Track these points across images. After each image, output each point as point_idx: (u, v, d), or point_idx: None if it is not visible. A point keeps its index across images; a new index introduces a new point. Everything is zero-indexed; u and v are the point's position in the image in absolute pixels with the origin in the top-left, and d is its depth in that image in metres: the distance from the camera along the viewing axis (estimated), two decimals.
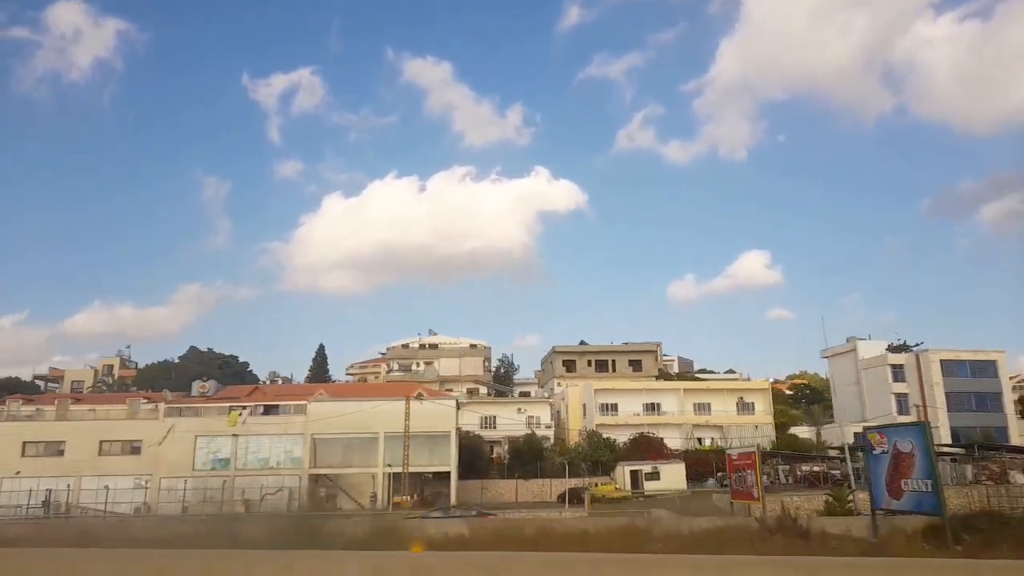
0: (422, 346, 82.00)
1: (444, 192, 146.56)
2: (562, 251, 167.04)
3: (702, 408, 60.20)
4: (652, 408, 59.58)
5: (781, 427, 64.79)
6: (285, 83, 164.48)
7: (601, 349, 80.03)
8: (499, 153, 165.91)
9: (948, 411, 59.33)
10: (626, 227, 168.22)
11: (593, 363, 79.75)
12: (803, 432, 63.26)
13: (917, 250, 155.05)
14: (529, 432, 53.99)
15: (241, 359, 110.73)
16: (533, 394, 76.78)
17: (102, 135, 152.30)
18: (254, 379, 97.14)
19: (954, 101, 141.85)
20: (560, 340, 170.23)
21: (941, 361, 60.62)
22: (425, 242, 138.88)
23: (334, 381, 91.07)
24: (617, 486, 47.74)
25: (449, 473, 43.54)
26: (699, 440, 58.72)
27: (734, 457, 33.37)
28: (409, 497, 41.31)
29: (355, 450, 43.00)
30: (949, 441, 58.06)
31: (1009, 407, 60.77)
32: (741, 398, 60.62)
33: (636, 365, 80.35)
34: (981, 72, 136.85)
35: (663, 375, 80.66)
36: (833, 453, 52.63)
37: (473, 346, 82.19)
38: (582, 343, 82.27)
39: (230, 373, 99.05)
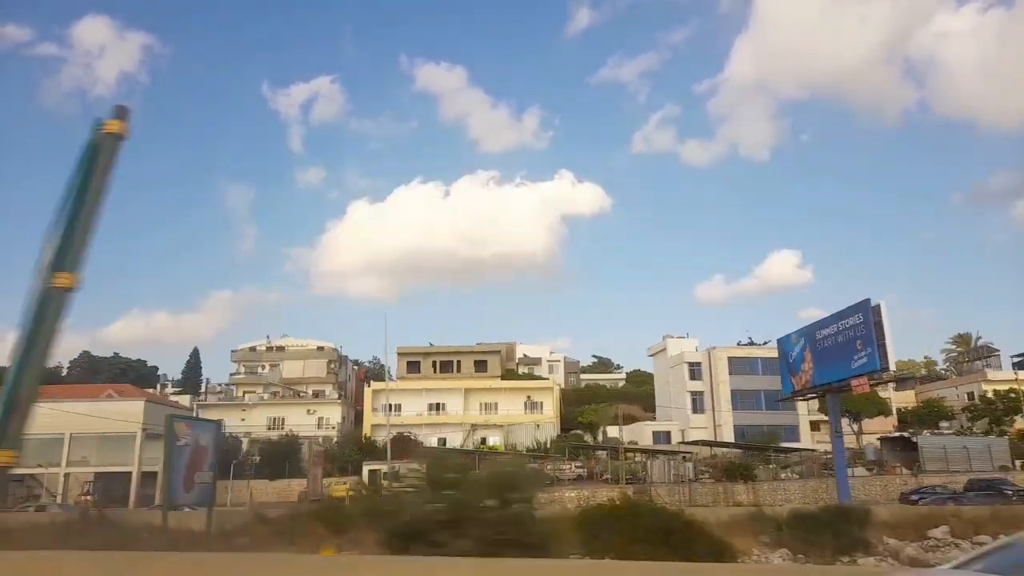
0: (268, 349, 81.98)
1: (468, 197, 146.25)
2: (587, 254, 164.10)
3: (490, 408, 59.75)
4: (437, 408, 59.22)
5: (593, 426, 64.42)
6: (305, 92, 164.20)
7: (445, 350, 79.58)
8: (520, 157, 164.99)
9: (734, 409, 58.50)
10: (651, 229, 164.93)
11: (438, 364, 79.51)
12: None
13: (952, 246, 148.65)
14: (284, 433, 53.88)
15: (151, 363, 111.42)
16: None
17: (128, 147, 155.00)
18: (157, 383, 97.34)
19: (980, 93, 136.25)
20: (590, 341, 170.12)
21: (729, 358, 59.82)
22: (449, 246, 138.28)
23: (213, 384, 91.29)
24: (350, 488, 47.55)
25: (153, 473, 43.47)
26: (483, 440, 58.35)
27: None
28: (89, 496, 41.33)
29: (49, 450, 43.13)
30: (732, 439, 57.50)
31: (801, 405, 59.72)
32: (529, 397, 60.11)
33: (481, 366, 79.86)
34: (1007, 63, 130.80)
35: (509, 375, 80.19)
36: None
37: (320, 348, 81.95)
38: (431, 344, 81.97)
39: (134, 377, 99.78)
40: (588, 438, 59.78)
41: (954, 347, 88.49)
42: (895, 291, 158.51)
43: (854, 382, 33.74)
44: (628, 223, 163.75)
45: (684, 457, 44.60)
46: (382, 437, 53.96)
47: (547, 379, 64.03)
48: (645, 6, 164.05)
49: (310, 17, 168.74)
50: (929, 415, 68.46)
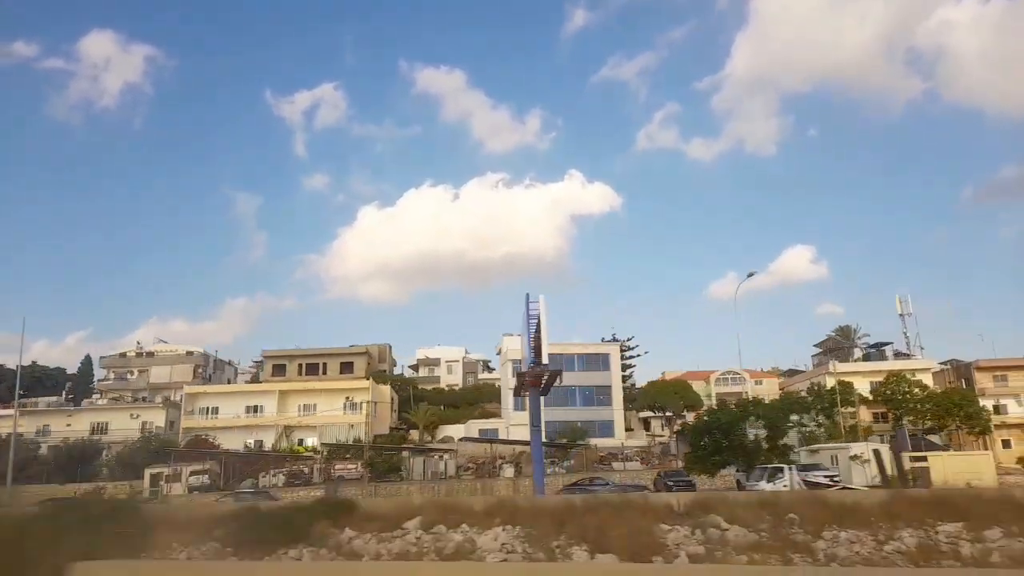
0: (139, 354, 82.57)
1: (477, 199, 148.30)
2: (597, 253, 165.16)
3: (309, 408, 60.14)
4: (254, 410, 59.63)
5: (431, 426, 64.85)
6: (308, 99, 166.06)
7: (311, 353, 79.92)
8: (524, 158, 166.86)
9: (546, 406, 58.65)
10: (662, 227, 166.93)
11: (304, 366, 79.86)
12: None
13: (966, 238, 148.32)
14: (82, 437, 54.36)
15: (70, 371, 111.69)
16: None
17: (136, 158, 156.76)
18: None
19: (986, 84, 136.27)
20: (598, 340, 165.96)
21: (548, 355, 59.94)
22: (459, 248, 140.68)
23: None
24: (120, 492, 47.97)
25: None
26: (300, 440, 58.78)
27: None
28: None
29: None
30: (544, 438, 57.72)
31: (617, 401, 60.04)
32: (348, 398, 60.48)
33: (348, 368, 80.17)
34: (1012, 52, 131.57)
35: (377, 377, 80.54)
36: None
37: (189, 353, 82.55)
38: (295, 348, 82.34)
39: (50, 386, 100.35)
40: (418, 437, 60.34)
41: (837, 337, 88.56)
42: (913, 284, 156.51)
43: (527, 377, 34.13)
44: (638, 222, 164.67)
45: (441, 456, 44.95)
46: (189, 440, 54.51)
47: (366, 381, 64.16)
48: (641, 5, 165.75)
49: (310, 25, 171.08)
50: (782, 408, 68.60)
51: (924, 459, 35.79)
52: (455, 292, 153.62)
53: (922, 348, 72.56)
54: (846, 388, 64.06)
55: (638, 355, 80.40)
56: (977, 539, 15.56)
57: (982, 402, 68.25)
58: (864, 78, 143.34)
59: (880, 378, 65.29)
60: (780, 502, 18.46)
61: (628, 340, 79.32)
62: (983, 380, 68.16)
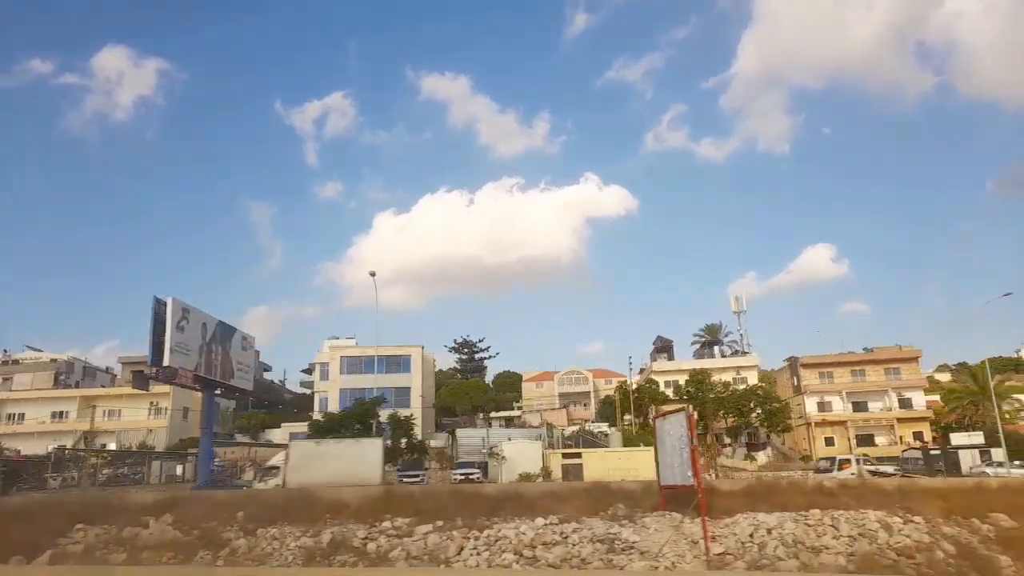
0: (4, 363, 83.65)
1: (492, 204, 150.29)
2: (614, 256, 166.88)
3: (113, 415, 60.79)
4: (60, 415, 60.38)
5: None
6: (318, 109, 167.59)
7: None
8: (535, 162, 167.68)
9: (341, 407, 59.08)
10: (678, 228, 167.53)
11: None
12: None
13: (990, 233, 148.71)
14: None
15: None
16: None
17: (150, 169, 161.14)
18: None
19: (999, 75, 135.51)
20: (627, 344, 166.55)
21: (343, 358, 60.42)
22: (475, 253, 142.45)
23: None
24: None
25: None
26: (104, 445, 59.36)
27: None
28: None
29: None
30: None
31: (416, 401, 60.20)
32: (153, 403, 61.07)
33: None
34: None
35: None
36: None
37: (53, 360, 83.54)
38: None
39: None
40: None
41: (705, 335, 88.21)
42: (936, 279, 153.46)
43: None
44: (654, 224, 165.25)
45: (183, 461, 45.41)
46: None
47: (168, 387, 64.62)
48: (640, 5, 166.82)
49: (317, 35, 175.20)
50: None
51: (579, 456, 35.80)
52: (472, 296, 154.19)
53: (750, 345, 72.14)
54: (653, 387, 64.07)
55: (490, 356, 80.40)
56: None
57: (807, 399, 68.04)
58: (874, 73, 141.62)
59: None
60: None
61: (479, 342, 79.54)
62: (809, 377, 67.69)
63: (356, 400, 48.75)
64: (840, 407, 65.75)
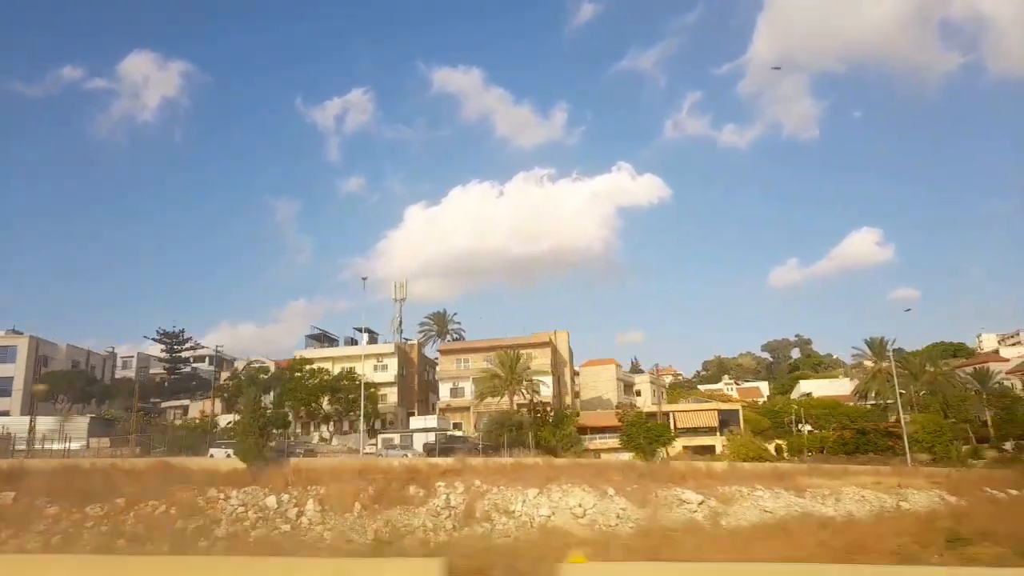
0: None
1: (522, 195, 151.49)
2: (647, 244, 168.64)
3: None
4: None
5: None
6: (339, 106, 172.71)
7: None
8: (556, 153, 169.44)
9: None
10: (715, 216, 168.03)
11: None
12: None
13: None
14: None
15: None
16: None
17: (177, 168, 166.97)
18: None
19: None
20: (663, 333, 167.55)
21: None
22: (505, 244, 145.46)
23: None
24: None
25: None
26: None
27: None
28: None
29: None
30: None
31: (17, 394, 61.35)
32: None
33: None
34: None
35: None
36: None
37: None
38: None
39: None
40: None
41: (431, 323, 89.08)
42: (984, 265, 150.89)
43: None
44: (688, 212, 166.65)
45: None
46: None
47: None
48: None
49: (335, 33, 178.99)
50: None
51: None
52: (503, 287, 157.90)
53: (401, 333, 73.21)
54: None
55: None
56: None
57: (442, 385, 69.37)
58: (897, 54, 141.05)
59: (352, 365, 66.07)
60: None
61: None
62: (446, 363, 68.96)
63: None
64: (470, 393, 66.92)
